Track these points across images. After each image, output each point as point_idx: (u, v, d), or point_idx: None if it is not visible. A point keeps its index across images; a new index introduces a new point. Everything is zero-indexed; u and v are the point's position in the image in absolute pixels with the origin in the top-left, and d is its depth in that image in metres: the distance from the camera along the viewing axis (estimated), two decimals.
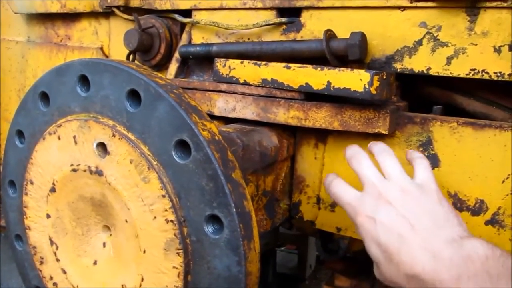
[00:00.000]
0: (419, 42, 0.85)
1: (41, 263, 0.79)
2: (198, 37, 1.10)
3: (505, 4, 0.77)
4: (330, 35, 0.89)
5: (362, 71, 0.79)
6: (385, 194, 0.67)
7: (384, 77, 0.81)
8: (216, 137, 0.60)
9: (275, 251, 2.70)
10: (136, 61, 1.15)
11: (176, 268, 0.62)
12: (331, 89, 0.82)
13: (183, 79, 1.06)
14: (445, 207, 0.66)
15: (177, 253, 0.62)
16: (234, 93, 0.93)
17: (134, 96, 0.64)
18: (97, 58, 0.66)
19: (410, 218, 0.64)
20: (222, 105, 0.95)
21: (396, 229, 0.64)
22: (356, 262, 1.53)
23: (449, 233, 0.63)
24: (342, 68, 0.82)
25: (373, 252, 0.67)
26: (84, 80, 0.69)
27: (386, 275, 0.66)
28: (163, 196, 0.62)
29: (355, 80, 0.79)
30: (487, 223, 0.81)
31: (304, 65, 0.85)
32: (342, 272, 1.53)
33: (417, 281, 0.61)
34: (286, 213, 0.99)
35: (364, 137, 0.89)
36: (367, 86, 0.78)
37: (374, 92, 0.78)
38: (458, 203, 0.84)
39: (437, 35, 0.84)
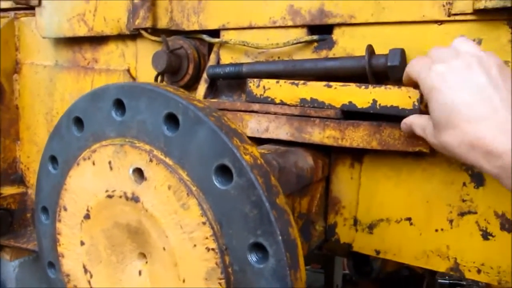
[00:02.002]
0: None
1: None
2: (226, 57, 1.09)
3: None
4: (371, 52, 0.86)
5: (410, 88, 0.77)
6: (462, 59, 0.64)
7: None
8: (259, 161, 0.58)
9: None
10: (164, 82, 1.14)
11: None
12: (377, 107, 0.80)
13: (213, 100, 1.04)
14: None
15: (219, 282, 0.59)
16: (267, 113, 0.91)
17: (172, 120, 0.62)
18: (133, 82, 0.65)
19: (486, 87, 0.61)
20: (255, 125, 0.93)
21: (471, 97, 0.61)
22: (389, 284, 1.49)
23: None
24: (388, 86, 0.79)
25: (438, 115, 0.64)
26: (119, 105, 0.68)
27: (446, 139, 0.63)
28: (204, 223, 0.59)
29: (403, 97, 0.77)
30: None
31: (347, 84, 0.83)
32: None
33: (483, 152, 0.59)
34: (322, 236, 0.95)
35: (403, 156, 0.86)
36: (416, 104, 0.76)
37: (424, 109, 0.75)
38: (506, 224, 0.80)
39: None
